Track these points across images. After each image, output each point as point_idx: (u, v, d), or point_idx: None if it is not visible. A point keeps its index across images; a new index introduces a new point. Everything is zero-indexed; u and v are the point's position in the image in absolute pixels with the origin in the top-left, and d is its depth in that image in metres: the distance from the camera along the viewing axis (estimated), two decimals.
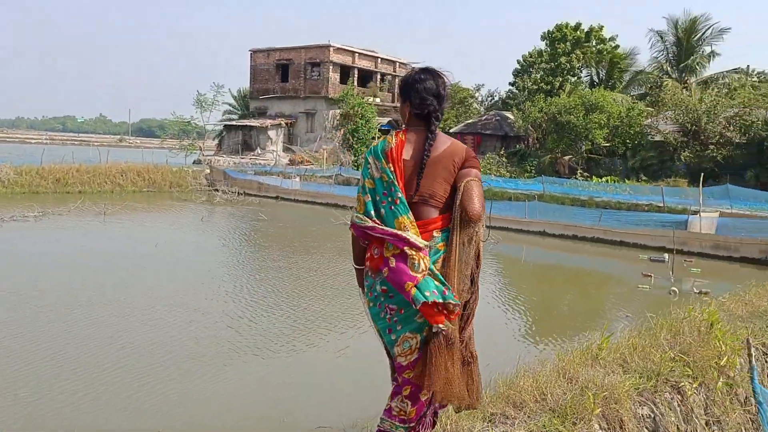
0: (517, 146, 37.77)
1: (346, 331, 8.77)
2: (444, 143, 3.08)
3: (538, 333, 9.36)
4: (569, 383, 4.19)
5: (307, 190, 27.91)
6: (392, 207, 2.92)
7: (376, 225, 2.90)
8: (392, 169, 2.95)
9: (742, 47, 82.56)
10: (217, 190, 27.95)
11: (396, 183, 2.94)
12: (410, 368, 2.95)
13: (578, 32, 37.90)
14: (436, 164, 2.99)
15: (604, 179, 28.55)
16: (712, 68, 39.35)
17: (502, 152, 35.99)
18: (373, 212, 2.93)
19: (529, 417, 3.80)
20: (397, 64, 46.99)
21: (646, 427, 4.11)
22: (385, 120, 43.51)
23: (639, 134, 31.74)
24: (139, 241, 15.71)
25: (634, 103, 33.27)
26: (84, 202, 21.82)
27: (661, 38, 38.85)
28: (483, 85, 51.15)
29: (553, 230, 18.82)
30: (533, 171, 32.73)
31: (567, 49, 37.51)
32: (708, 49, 38.78)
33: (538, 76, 39.19)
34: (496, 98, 46.52)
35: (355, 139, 39.66)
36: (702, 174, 20.99)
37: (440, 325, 2.79)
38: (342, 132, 41.21)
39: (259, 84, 45.53)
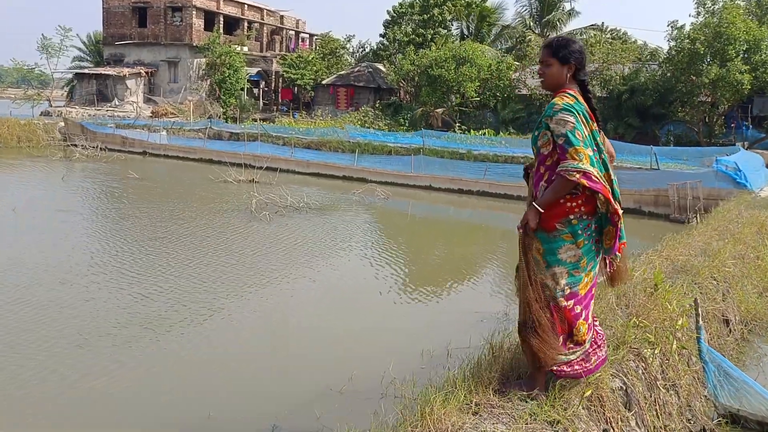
0: (391, 98, 37.64)
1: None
2: None
3: (477, 295, 9.26)
4: None
5: (177, 145, 26.23)
6: (601, 162, 3.33)
7: (601, 178, 3.26)
8: (594, 128, 3.39)
9: (599, 4, 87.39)
10: (75, 146, 25.51)
11: (599, 143, 3.38)
12: (580, 302, 3.46)
13: None
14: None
15: (481, 132, 29.11)
16: (571, 25, 41.08)
17: (377, 104, 35.72)
18: (595, 168, 3.25)
19: (513, 405, 3.52)
20: (265, 11, 44.99)
21: (620, 401, 3.99)
22: (254, 70, 41.72)
23: (508, 87, 32.59)
24: None
25: (503, 56, 34.04)
26: None
27: None
28: (354, 35, 50.49)
29: (439, 184, 18.91)
30: (407, 124, 32.78)
31: (439, 0, 37.52)
32: (568, 6, 40.39)
33: (410, 28, 39.02)
34: (368, 49, 45.95)
35: (223, 90, 37.78)
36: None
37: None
38: (208, 82, 39.08)
39: (113, 29, 41.84)
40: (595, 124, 3.45)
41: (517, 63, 34.43)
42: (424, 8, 37.88)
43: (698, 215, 14.52)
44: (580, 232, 3.35)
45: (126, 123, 31.14)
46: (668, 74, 27.47)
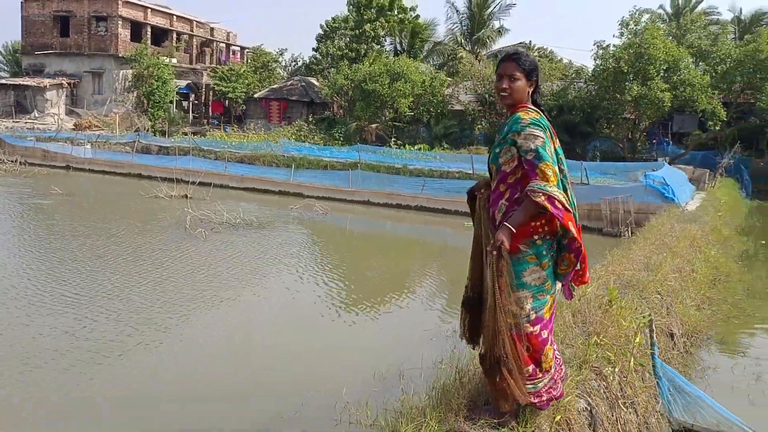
0: (325, 113, 37.47)
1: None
2: None
3: (424, 308, 9.15)
4: None
5: (103, 159, 25.24)
6: (562, 182, 3.19)
7: (566, 204, 3.11)
8: (558, 147, 3.26)
9: (526, 24, 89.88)
10: None
11: (562, 160, 3.28)
12: (546, 326, 3.33)
13: (382, 0, 38.24)
14: None
15: (416, 147, 29.30)
16: (500, 42, 42.03)
17: (310, 119, 35.47)
18: (562, 186, 3.17)
19: (482, 429, 3.42)
20: (195, 23, 44.08)
21: (586, 423, 3.96)
22: (183, 82, 40.77)
23: (441, 103, 32.98)
24: None
25: (436, 72, 34.46)
26: None
27: (457, 11, 40.64)
28: (286, 49, 49.93)
29: (377, 199, 18.86)
30: (341, 138, 32.68)
31: (372, 16, 37.71)
32: (497, 24, 41.34)
33: (343, 43, 39.04)
34: (300, 63, 45.66)
35: (151, 102, 36.70)
36: None
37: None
38: (135, 94, 37.90)
39: (33, 38, 40.04)
40: (557, 142, 3.35)
41: (450, 79, 34.93)
42: (357, 23, 37.99)
43: (630, 229, 14.98)
44: (544, 252, 3.24)
45: (47, 136, 29.75)
46: (594, 92, 28.40)
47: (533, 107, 3.29)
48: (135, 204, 17.62)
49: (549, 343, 3.34)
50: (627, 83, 25.81)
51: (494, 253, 3.15)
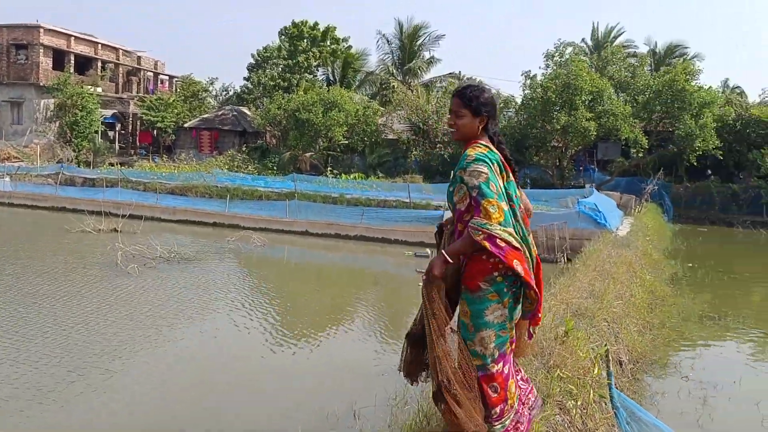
0: (258, 142, 37.08)
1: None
2: None
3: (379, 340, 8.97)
4: None
5: (24, 192, 24.07)
6: (511, 217, 3.13)
7: (515, 241, 3.07)
8: (511, 179, 3.26)
9: (455, 54, 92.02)
10: None
11: (512, 196, 3.23)
12: (506, 362, 3.27)
13: (315, 31, 38.45)
14: None
15: (352, 176, 29.30)
16: (431, 72, 42.79)
17: (243, 149, 35.01)
18: (511, 221, 3.10)
19: None
20: (121, 51, 42.97)
21: None
22: (109, 112, 39.55)
23: (375, 132, 33.20)
24: None
25: (369, 102, 34.72)
26: None
27: (388, 42, 41.20)
28: (217, 78, 49.30)
29: (315, 229, 18.65)
30: (275, 168, 32.37)
31: (305, 46, 37.81)
32: (428, 55, 42.12)
33: (276, 72, 38.94)
34: (231, 93, 45.15)
35: (75, 132, 35.38)
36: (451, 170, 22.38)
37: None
38: (58, 124, 36.47)
39: None
40: (512, 175, 3.35)
41: (383, 108, 35.26)
42: (290, 53, 38.00)
43: (565, 254, 15.32)
44: (505, 290, 3.18)
45: None
46: (524, 121, 29.21)
47: (483, 142, 3.25)
48: (61, 239, 16.80)
49: (511, 376, 3.31)
50: (555, 113, 26.66)
51: (423, 278, 3.16)
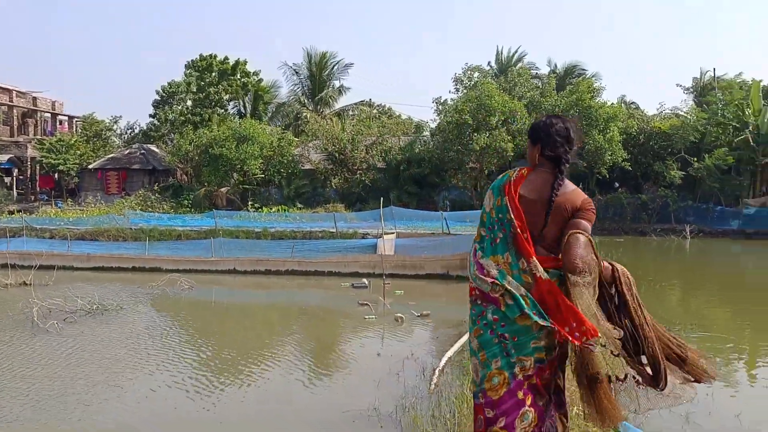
0: (169, 180, 35.77)
1: None
2: (569, 188, 3.23)
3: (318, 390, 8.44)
4: None
5: None
6: (492, 244, 3.19)
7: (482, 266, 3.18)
8: (506, 202, 3.18)
9: (365, 82, 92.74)
10: None
11: (507, 219, 3.15)
12: (494, 406, 3.15)
13: (225, 65, 37.77)
14: (558, 207, 3.14)
15: (274, 210, 28.69)
16: (342, 101, 42.86)
17: (155, 187, 33.64)
18: (489, 246, 3.19)
19: None
20: (15, 92, 40.63)
21: None
22: (5, 157, 37.15)
23: (291, 163, 32.77)
24: None
25: (283, 133, 34.28)
26: None
27: (296, 72, 41.02)
28: (120, 116, 47.53)
29: (244, 267, 17.92)
30: (190, 205, 31.29)
31: (214, 80, 37.01)
32: (338, 83, 42.21)
33: (185, 107, 37.87)
34: (137, 130, 43.47)
35: None
36: (381, 198, 22.07)
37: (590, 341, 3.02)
38: None
39: None
40: (507, 198, 3.24)
41: (297, 139, 34.92)
42: (200, 87, 37.08)
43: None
44: (474, 319, 3.27)
45: None
46: (440, 145, 29.61)
47: (518, 168, 3.42)
48: None
49: (498, 425, 3.19)
50: (474, 134, 27.13)
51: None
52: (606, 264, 3.26)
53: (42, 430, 6.99)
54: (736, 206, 28.01)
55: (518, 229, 3.12)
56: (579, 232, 3.12)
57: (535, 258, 3.11)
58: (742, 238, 25.86)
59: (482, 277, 3.19)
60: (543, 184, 3.25)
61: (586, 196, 3.30)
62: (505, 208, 3.19)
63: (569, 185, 3.27)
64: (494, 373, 3.16)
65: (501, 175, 3.40)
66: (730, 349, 10.23)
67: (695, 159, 27.77)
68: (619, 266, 3.31)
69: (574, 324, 3.06)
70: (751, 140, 26.81)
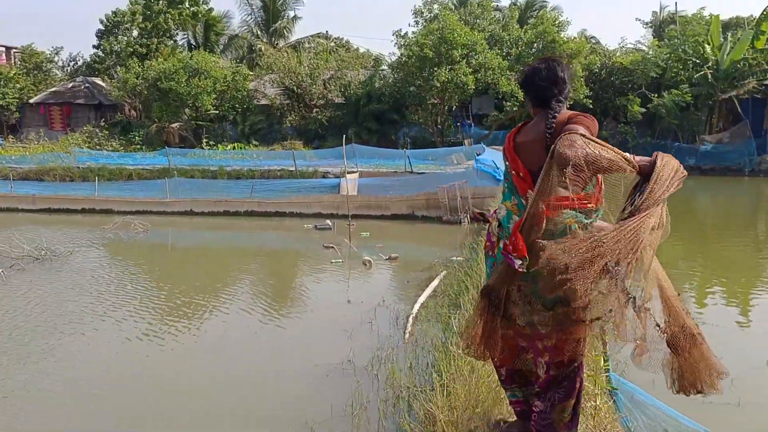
0: (117, 116, 34.16)
1: None
2: (563, 117, 2.88)
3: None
4: None
5: None
6: (504, 192, 3.09)
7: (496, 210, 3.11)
8: (503, 150, 3.12)
9: (322, 14, 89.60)
10: None
11: (506, 165, 3.08)
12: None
13: None
14: (555, 136, 2.71)
15: (230, 146, 27.74)
16: (297, 33, 41.30)
17: (102, 123, 32.07)
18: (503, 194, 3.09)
19: None
20: None
21: None
22: None
23: (246, 98, 31.55)
24: None
25: (237, 66, 32.85)
26: None
27: (248, 2, 39.15)
28: (62, 47, 44.95)
29: (201, 208, 17.25)
30: (140, 143, 29.99)
31: (163, 7, 35.00)
32: (291, 13, 40.52)
33: (131, 38, 35.84)
34: (81, 62, 41.13)
35: None
36: (343, 135, 21.39)
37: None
38: None
39: None
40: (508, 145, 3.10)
41: (252, 73, 33.58)
42: (147, 17, 35.05)
43: (469, 215, 15.11)
44: (488, 271, 3.23)
45: None
46: (400, 81, 28.81)
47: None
48: None
49: None
50: (434, 69, 26.39)
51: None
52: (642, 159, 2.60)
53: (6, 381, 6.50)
54: (692, 143, 28.21)
55: (512, 170, 3.02)
56: (570, 131, 2.56)
57: (530, 191, 2.75)
58: (697, 174, 26.16)
59: (490, 218, 3.17)
60: (536, 125, 3.00)
61: (579, 112, 2.96)
62: (504, 156, 3.14)
63: (565, 114, 2.91)
64: None
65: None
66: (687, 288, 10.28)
67: (655, 95, 27.69)
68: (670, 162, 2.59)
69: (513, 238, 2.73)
70: (710, 76, 26.80)
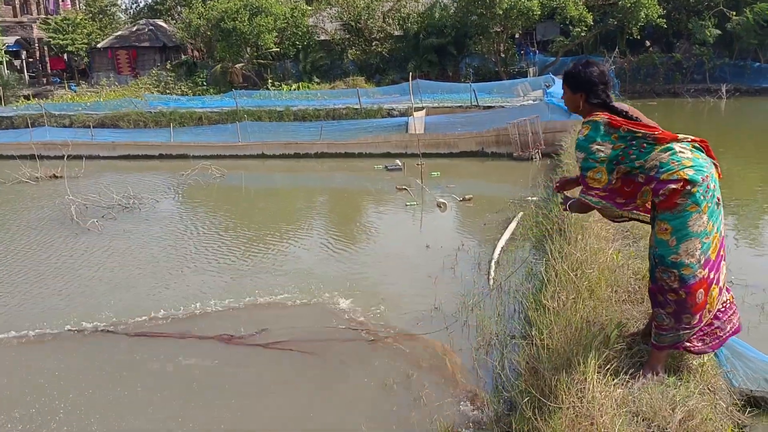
0: (181, 57, 34.60)
1: None
2: None
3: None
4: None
5: None
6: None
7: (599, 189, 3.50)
8: (626, 128, 3.38)
9: None
10: None
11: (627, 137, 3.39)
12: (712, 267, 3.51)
13: None
14: None
15: (294, 86, 27.85)
16: None
17: (168, 66, 32.59)
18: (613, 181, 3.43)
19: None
20: None
21: None
22: (11, 39, 35.82)
23: (306, 35, 31.36)
24: None
25: (296, 2, 32.55)
26: None
27: None
28: None
29: (272, 151, 17.58)
30: (205, 84, 30.44)
31: None
32: None
33: None
34: (143, 4, 41.58)
35: None
36: (405, 70, 21.29)
37: None
38: None
39: None
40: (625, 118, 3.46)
41: (310, 8, 33.20)
42: None
43: (540, 151, 14.94)
44: (701, 198, 3.40)
45: None
46: (461, 10, 28.04)
47: (589, 120, 3.46)
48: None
49: (716, 282, 3.49)
50: None
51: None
52: None
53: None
54: None
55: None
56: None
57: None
58: None
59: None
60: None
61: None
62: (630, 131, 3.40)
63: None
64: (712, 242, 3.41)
65: (585, 129, 3.45)
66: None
67: (734, 13, 26.12)
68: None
69: None
70: None
